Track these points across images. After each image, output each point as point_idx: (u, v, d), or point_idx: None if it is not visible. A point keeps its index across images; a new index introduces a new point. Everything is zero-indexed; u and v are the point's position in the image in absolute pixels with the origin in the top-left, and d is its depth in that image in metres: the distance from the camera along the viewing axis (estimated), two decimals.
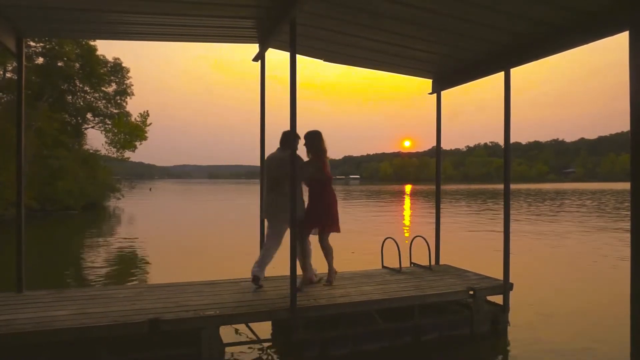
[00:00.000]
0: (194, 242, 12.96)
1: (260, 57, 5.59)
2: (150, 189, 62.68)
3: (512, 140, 5.27)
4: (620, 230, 15.09)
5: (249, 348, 4.53)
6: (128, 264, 9.84)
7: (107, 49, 75.34)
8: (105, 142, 29.31)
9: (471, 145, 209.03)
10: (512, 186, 5.58)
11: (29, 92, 21.42)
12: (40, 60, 24.94)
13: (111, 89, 29.19)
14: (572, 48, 4.24)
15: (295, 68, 4.26)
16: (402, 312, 4.71)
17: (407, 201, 36.41)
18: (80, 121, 28.86)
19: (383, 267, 6.13)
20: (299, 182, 4.86)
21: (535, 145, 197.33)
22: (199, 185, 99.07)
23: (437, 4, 4.11)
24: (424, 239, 5.88)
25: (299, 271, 4.92)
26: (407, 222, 19.77)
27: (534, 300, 6.38)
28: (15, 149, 4.93)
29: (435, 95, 6.41)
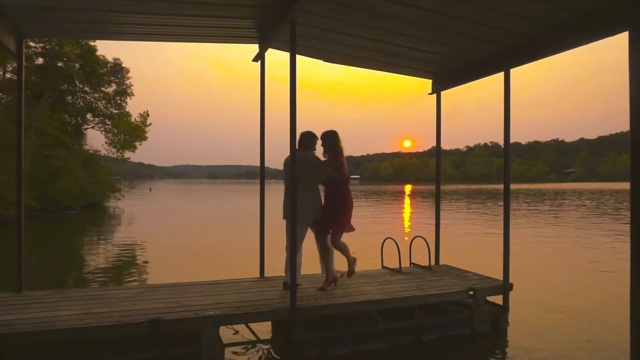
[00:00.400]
0: (194, 242, 12.96)
1: (260, 57, 5.59)
2: (150, 189, 62.69)
3: (512, 140, 5.27)
4: (619, 230, 15.08)
5: (249, 348, 4.53)
6: (128, 264, 9.84)
7: (107, 49, 75.21)
8: (105, 143, 29.38)
9: (471, 145, 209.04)
10: (512, 186, 5.58)
11: (29, 92, 21.42)
12: (40, 60, 24.95)
13: (111, 89, 29.22)
14: (572, 48, 4.24)
15: (295, 68, 4.26)
16: (403, 312, 4.71)
17: (407, 201, 36.42)
18: (80, 121, 28.88)
19: (383, 267, 6.13)
20: (317, 182, 4.95)
21: (535, 145, 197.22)
22: (199, 186, 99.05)
23: (437, 4, 4.11)
24: (424, 239, 5.88)
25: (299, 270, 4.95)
26: (407, 222, 19.78)
27: (534, 300, 6.38)
28: (15, 149, 4.94)
29: (435, 95, 6.41)
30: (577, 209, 25.18)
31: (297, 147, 5.00)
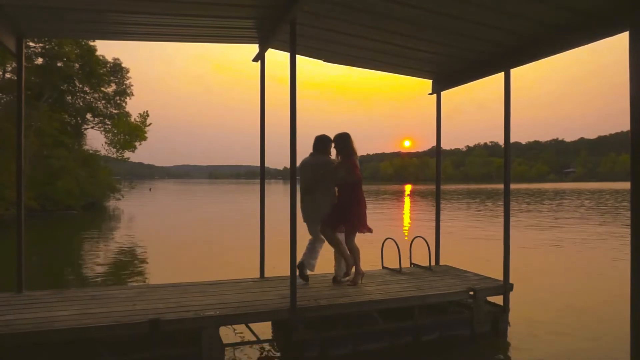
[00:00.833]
0: (194, 242, 12.96)
1: (260, 57, 5.59)
2: (150, 189, 62.68)
3: (512, 140, 5.27)
4: (619, 230, 15.08)
5: (249, 348, 4.53)
6: (128, 264, 9.84)
7: (106, 49, 75.28)
8: (105, 143, 29.37)
9: (471, 145, 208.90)
10: (512, 186, 5.58)
11: (29, 92, 21.43)
12: (40, 60, 24.95)
13: (111, 89, 29.21)
14: (572, 48, 4.24)
15: (295, 68, 4.26)
16: (403, 312, 4.71)
17: (407, 201, 36.41)
18: (80, 121, 28.87)
19: (383, 267, 6.13)
20: (332, 184, 5.11)
21: (535, 145, 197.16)
22: (199, 186, 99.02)
23: (438, 4, 4.11)
24: (424, 240, 5.87)
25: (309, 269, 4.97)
26: (406, 222, 19.78)
27: (534, 300, 6.38)
28: (15, 149, 4.93)
29: (435, 95, 6.40)
30: (576, 209, 25.17)
31: (312, 150, 5.29)
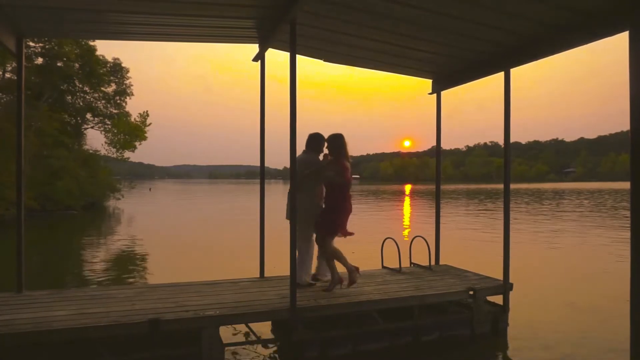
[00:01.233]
0: (193, 242, 12.96)
1: (260, 57, 5.59)
2: (150, 189, 62.68)
3: (512, 140, 5.28)
4: (618, 230, 15.09)
5: (249, 348, 4.53)
6: (128, 264, 9.84)
7: (106, 49, 75.27)
8: (105, 143, 29.36)
9: (471, 145, 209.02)
10: (512, 186, 5.58)
11: (29, 92, 21.41)
12: (40, 60, 24.95)
13: (111, 89, 29.20)
14: (572, 48, 4.24)
15: (295, 68, 4.26)
16: (402, 312, 4.71)
17: (407, 201, 36.42)
18: (80, 121, 28.86)
19: (383, 267, 6.13)
20: (318, 183, 4.97)
21: (535, 145, 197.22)
22: (199, 186, 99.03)
23: (438, 4, 4.11)
24: (424, 239, 5.88)
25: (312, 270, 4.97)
26: (406, 222, 19.78)
27: (533, 300, 6.39)
28: (15, 149, 4.93)
29: (435, 95, 6.41)
30: (575, 209, 25.18)
31: (305, 148, 5.14)
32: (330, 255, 4.92)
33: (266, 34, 5.13)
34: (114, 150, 29.44)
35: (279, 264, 5.85)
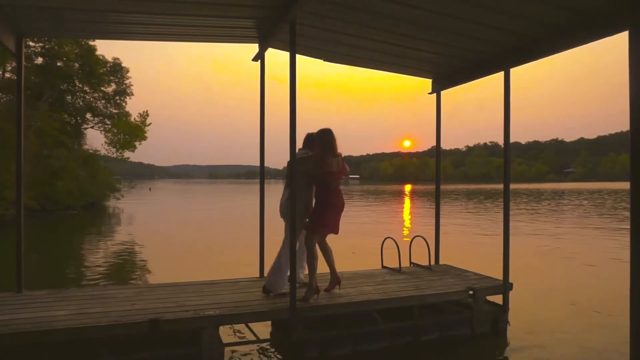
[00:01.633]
0: (193, 242, 12.96)
1: (260, 57, 5.59)
2: (149, 189, 62.69)
3: (512, 140, 5.28)
4: (617, 230, 15.09)
5: (249, 348, 4.53)
6: (128, 264, 9.84)
7: (106, 49, 75.26)
8: (105, 142, 29.36)
9: (471, 145, 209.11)
10: (512, 186, 5.57)
11: (29, 92, 21.42)
12: (40, 60, 24.95)
13: (111, 89, 29.20)
14: (572, 48, 4.24)
15: (295, 68, 4.26)
16: (402, 312, 4.71)
17: (407, 201, 36.41)
18: (79, 121, 28.86)
19: (383, 267, 6.13)
20: (304, 181, 4.70)
21: (535, 145, 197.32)
22: (199, 186, 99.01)
23: (438, 4, 4.11)
24: (424, 239, 5.88)
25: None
26: (406, 222, 19.78)
27: (533, 300, 6.39)
28: (15, 149, 4.93)
29: (435, 95, 6.41)
30: (574, 209, 25.18)
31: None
32: (308, 254, 4.57)
33: (266, 33, 5.13)
34: (113, 150, 29.46)
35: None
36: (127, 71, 29.49)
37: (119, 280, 8.06)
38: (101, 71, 27.73)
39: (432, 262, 6.11)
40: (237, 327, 4.87)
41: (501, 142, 5.35)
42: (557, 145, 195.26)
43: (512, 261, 5.19)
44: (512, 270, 5.19)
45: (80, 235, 15.61)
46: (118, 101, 29.57)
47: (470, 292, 4.96)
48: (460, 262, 6.40)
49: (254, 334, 4.56)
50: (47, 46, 24.41)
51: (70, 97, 27.83)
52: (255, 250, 5.70)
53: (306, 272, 4.93)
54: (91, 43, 26.49)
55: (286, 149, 4.26)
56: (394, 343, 4.62)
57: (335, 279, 4.81)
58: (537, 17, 4.16)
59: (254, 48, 5.62)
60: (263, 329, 4.80)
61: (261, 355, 4.41)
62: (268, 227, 5.68)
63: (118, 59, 28.84)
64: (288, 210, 4.59)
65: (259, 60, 5.64)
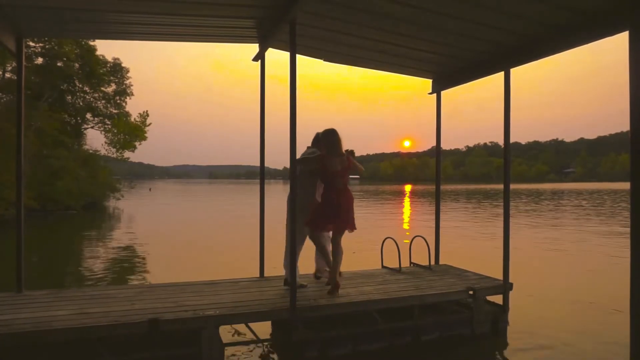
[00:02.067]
0: (193, 242, 12.95)
1: (260, 57, 5.59)
2: (150, 189, 62.70)
3: (512, 140, 5.27)
4: (616, 230, 15.09)
5: (249, 348, 4.53)
6: (128, 264, 9.84)
7: (106, 49, 75.16)
8: (105, 143, 29.37)
9: (471, 145, 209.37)
10: (512, 186, 5.57)
11: (29, 92, 21.42)
12: (40, 60, 24.95)
13: (111, 89, 29.21)
14: (572, 48, 4.24)
15: (295, 68, 4.26)
16: (402, 312, 4.71)
17: (407, 201, 36.42)
18: (79, 121, 28.86)
19: (383, 267, 6.13)
20: (308, 179, 4.88)
21: (535, 145, 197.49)
22: (199, 186, 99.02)
23: (437, 4, 4.11)
24: (424, 239, 5.88)
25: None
26: (406, 222, 19.78)
27: (533, 300, 6.39)
28: (15, 149, 4.93)
29: (435, 95, 6.41)
30: (574, 210, 25.18)
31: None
32: (320, 250, 4.87)
33: (266, 33, 5.14)
34: (113, 150, 29.44)
35: (278, 264, 5.85)
36: (127, 71, 29.54)
37: (119, 280, 8.06)
38: (101, 71, 27.74)
39: (432, 262, 6.11)
40: (237, 327, 4.87)
41: (501, 142, 5.35)
42: (557, 145, 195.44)
43: (514, 262, 5.19)
44: (512, 270, 5.19)
45: (80, 235, 15.61)
46: (118, 101, 29.59)
47: (471, 292, 4.96)
48: (460, 263, 6.40)
49: (254, 334, 4.56)
50: (47, 46, 24.41)
51: (70, 97, 27.83)
52: (256, 251, 5.70)
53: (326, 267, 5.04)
54: (91, 43, 26.50)
55: (286, 149, 4.26)
56: (394, 343, 4.62)
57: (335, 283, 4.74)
58: (537, 17, 4.16)
59: (254, 48, 5.63)
60: (263, 329, 4.80)
61: (261, 356, 4.41)
62: (268, 227, 5.68)
63: (118, 59, 28.89)
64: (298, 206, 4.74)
65: (259, 61, 5.64)
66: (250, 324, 4.60)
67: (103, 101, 29.27)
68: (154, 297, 4.49)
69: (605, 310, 6.06)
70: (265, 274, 5.58)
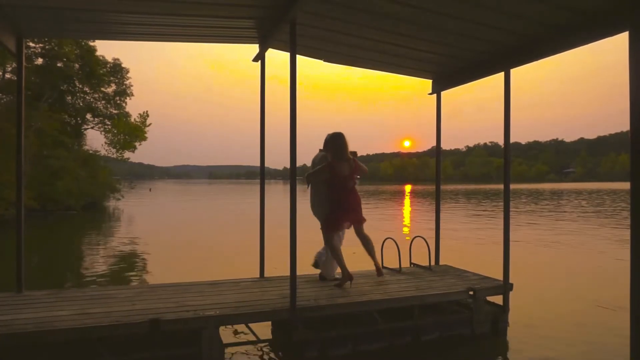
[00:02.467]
0: (194, 242, 12.96)
1: (260, 57, 5.59)
2: (150, 190, 62.70)
3: (512, 140, 5.28)
4: (617, 231, 15.09)
5: (249, 348, 4.53)
6: (128, 264, 9.84)
7: (106, 49, 74.98)
8: (105, 143, 29.37)
9: (471, 145, 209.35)
10: (512, 186, 5.57)
11: (29, 92, 21.42)
12: (40, 60, 24.96)
13: (111, 89, 29.22)
14: (572, 48, 4.24)
15: (295, 68, 4.27)
16: (402, 312, 4.71)
17: (407, 201, 36.41)
18: (79, 121, 28.88)
19: (383, 267, 6.12)
20: (320, 183, 5.19)
21: (535, 145, 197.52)
22: (199, 186, 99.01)
23: (437, 4, 4.11)
24: (424, 239, 5.87)
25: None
26: (406, 222, 19.78)
27: (533, 300, 6.39)
28: (15, 149, 4.93)
29: (435, 95, 6.41)
30: (573, 209, 25.18)
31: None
32: (330, 250, 5.09)
33: (266, 34, 5.14)
34: (114, 150, 29.46)
35: (279, 264, 5.86)
36: (127, 72, 29.56)
37: (120, 280, 8.06)
38: (101, 72, 27.75)
39: (432, 263, 6.11)
40: (237, 327, 4.87)
41: (501, 142, 5.35)
42: (557, 145, 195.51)
43: (514, 262, 5.19)
44: (512, 270, 5.19)
45: (80, 235, 15.61)
46: (118, 102, 29.61)
47: (471, 293, 4.96)
48: (460, 263, 6.40)
49: (254, 334, 4.56)
50: (47, 47, 24.43)
51: (70, 97, 27.84)
52: (256, 251, 5.70)
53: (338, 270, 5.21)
54: (91, 43, 26.51)
55: (286, 149, 4.26)
56: (394, 343, 4.62)
57: (347, 275, 4.96)
58: (537, 17, 4.16)
59: (254, 48, 5.63)
60: (263, 329, 4.80)
61: (261, 355, 4.41)
62: (268, 228, 5.68)
63: (118, 59, 28.90)
64: (315, 209, 5.22)
65: (259, 61, 5.64)
66: (251, 324, 4.60)
67: (103, 101, 29.29)
68: (155, 297, 4.49)
69: (606, 310, 6.06)
70: (266, 274, 5.58)
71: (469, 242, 12.61)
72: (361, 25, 4.69)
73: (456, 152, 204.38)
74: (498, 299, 5.17)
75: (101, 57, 27.67)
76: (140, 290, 4.88)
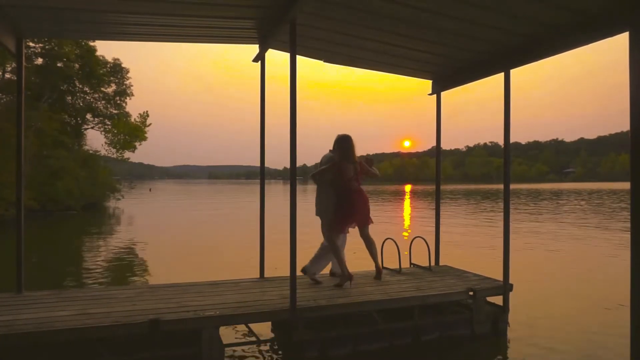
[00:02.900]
0: (194, 242, 12.95)
1: (260, 57, 5.59)
2: (150, 190, 62.69)
3: (512, 140, 5.28)
4: (616, 231, 15.09)
5: (249, 348, 4.53)
6: (128, 264, 9.83)
7: (106, 49, 75.01)
8: (105, 143, 29.37)
9: (471, 145, 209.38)
10: (512, 186, 5.57)
11: (29, 92, 21.43)
12: (40, 60, 24.96)
13: (111, 89, 29.21)
14: (572, 49, 4.24)
15: (295, 68, 4.26)
16: (402, 312, 4.71)
17: (407, 201, 36.40)
18: (79, 122, 28.87)
19: (383, 267, 6.12)
20: (327, 183, 5.26)
21: (535, 145, 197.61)
22: (199, 186, 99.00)
23: (437, 4, 4.11)
24: (424, 240, 5.87)
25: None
26: (406, 222, 19.77)
27: (533, 300, 6.39)
28: (15, 149, 4.93)
29: (435, 95, 6.40)
30: (573, 210, 25.18)
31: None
32: (332, 250, 5.13)
33: (266, 34, 5.13)
34: (114, 150, 29.47)
35: (279, 264, 5.86)
36: (127, 72, 29.54)
37: (120, 280, 8.06)
38: (101, 72, 27.74)
39: (432, 263, 6.11)
40: (237, 327, 4.87)
41: (501, 142, 5.35)
42: (557, 145, 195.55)
43: (514, 262, 5.19)
44: (511, 270, 5.19)
45: (80, 235, 15.60)
46: (118, 102, 29.59)
47: (471, 293, 4.96)
48: (460, 263, 6.40)
49: (254, 334, 4.56)
50: (47, 47, 24.43)
51: (70, 97, 27.84)
52: (256, 251, 5.70)
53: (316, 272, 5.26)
54: (91, 44, 26.50)
55: (286, 149, 4.26)
56: (394, 343, 4.62)
57: (347, 275, 5.01)
58: (537, 17, 4.16)
59: (254, 48, 5.63)
60: (263, 329, 4.80)
61: (261, 356, 4.41)
62: (268, 228, 5.68)
63: (118, 59, 28.88)
64: (320, 208, 5.30)
65: (259, 61, 5.63)
66: (251, 324, 4.60)
67: (103, 101, 29.27)
68: (155, 297, 4.49)
69: (606, 310, 6.06)
70: (266, 275, 5.58)
71: (470, 242, 12.61)
72: (361, 26, 4.69)
73: (456, 152, 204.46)
74: (498, 300, 5.17)
75: (101, 57, 27.67)
76: (140, 290, 4.88)
